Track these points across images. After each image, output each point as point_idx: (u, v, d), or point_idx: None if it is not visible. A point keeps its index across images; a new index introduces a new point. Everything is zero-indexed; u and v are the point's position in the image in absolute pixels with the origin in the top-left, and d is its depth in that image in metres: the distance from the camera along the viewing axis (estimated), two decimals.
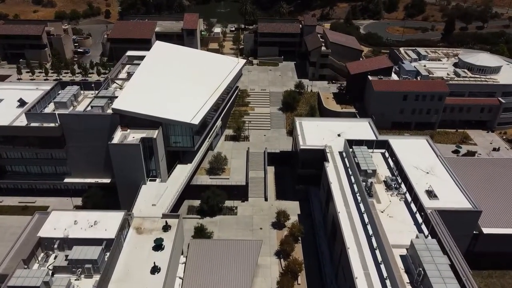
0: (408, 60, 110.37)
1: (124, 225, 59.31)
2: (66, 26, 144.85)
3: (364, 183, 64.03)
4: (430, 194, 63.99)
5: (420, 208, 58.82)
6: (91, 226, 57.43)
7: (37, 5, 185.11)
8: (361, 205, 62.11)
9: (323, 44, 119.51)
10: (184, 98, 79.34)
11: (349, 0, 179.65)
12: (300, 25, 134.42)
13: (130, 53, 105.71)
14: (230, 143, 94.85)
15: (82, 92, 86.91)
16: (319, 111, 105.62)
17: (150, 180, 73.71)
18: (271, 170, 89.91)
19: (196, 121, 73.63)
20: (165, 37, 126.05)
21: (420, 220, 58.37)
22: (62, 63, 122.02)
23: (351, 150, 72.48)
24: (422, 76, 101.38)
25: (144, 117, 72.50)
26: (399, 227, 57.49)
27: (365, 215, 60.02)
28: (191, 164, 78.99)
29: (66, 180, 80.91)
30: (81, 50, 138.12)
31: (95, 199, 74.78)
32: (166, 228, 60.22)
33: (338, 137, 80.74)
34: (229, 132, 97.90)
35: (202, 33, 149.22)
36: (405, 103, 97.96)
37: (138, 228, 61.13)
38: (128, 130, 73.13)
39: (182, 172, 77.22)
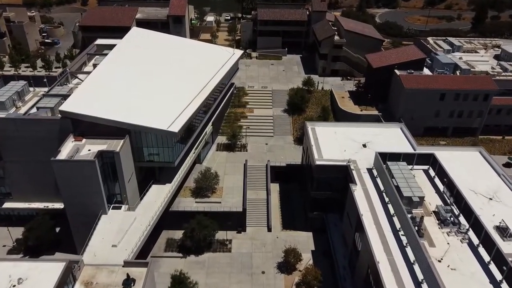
0: (441, 52, 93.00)
1: (66, 281, 41.88)
2: (33, 13, 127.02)
3: (409, 215, 46.56)
4: (504, 232, 46.46)
5: (497, 256, 41.33)
6: (14, 286, 39.88)
7: None
8: (409, 250, 44.56)
9: (336, 33, 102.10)
10: (162, 97, 61.76)
11: None
12: (308, 12, 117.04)
13: (100, 41, 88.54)
14: (223, 154, 77.17)
15: (32, 89, 69.16)
16: (333, 113, 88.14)
17: (114, 208, 55.95)
18: (275, 189, 72.38)
19: (176, 128, 55.98)
20: (148, 25, 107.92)
21: (498, 275, 40.82)
22: (22, 56, 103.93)
23: (385, 166, 55.03)
24: (462, 70, 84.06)
25: (105, 123, 54.85)
26: (468, 286, 40.02)
27: (416, 267, 42.41)
28: (171, 184, 61.28)
29: (6, 205, 63.02)
30: (49, 41, 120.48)
31: (39, 232, 56.98)
32: (128, 283, 42.84)
33: (364, 148, 63.33)
34: (222, 140, 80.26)
35: (193, 21, 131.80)
36: (442, 104, 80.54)
37: (87, 283, 43.70)
38: (84, 140, 55.38)
39: (158, 195, 59.50)
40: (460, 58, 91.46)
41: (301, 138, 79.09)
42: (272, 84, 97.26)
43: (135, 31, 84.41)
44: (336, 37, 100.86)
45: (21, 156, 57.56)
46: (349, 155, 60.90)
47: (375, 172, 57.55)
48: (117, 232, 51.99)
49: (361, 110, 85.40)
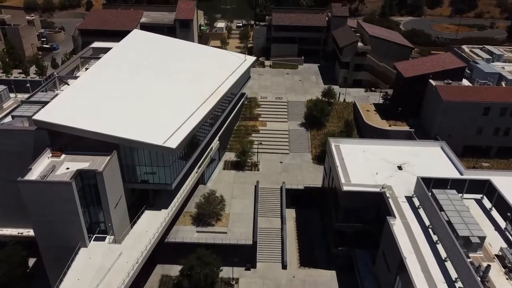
0: (480, 60, 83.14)
1: None
2: (32, 16, 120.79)
3: (469, 260, 36.35)
4: None
5: None
6: None
7: None
8: None
9: (359, 39, 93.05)
10: (160, 108, 52.96)
11: None
12: (327, 18, 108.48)
13: (97, 44, 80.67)
14: (231, 174, 67.71)
15: (13, 95, 61.09)
16: (357, 128, 78.44)
17: (96, 239, 46.59)
18: (291, 216, 62.54)
19: (174, 143, 46.80)
20: (153, 29, 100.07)
21: None
22: (16, 61, 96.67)
23: (430, 194, 44.97)
24: (508, 81, 74.00)
25: (89, 136, 45.98)
26: None
27: None
28: (167, 211, 51.83)
29: None
30: (47, 46, 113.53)
31: (6, 267, 47.76)
32: None
33: (399, 171, 53.39)
34: (230, 157, 70.93)
35: (202, 28, 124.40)
36: (485, 120, 70.32)
37: None
38: (63, 156, 46.47)
39: (151, 223, 50.00)
40: (503, 68, 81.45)
41: (321, 157, 69.42)
42: (287, 94, 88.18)
43: (135, 33, 76.45)
44: (360, 44, 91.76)
45: None
46: (382, 179, 50.98)
47: (416, 202, 47.44)
48: (97, 271, 42.47)
49: (390, 126, 75.56)
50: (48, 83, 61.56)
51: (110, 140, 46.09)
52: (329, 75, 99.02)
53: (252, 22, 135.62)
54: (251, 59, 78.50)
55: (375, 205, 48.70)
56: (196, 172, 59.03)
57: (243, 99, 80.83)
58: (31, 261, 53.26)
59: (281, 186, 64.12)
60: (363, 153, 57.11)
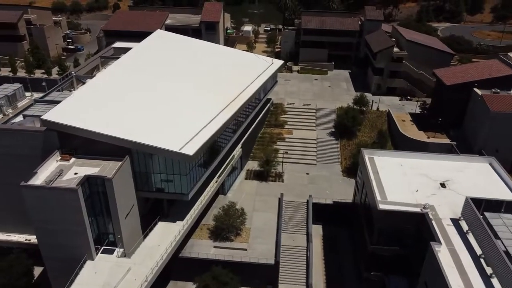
0: None
1: None
2: (59, 17, 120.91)
3: None
4: None
5: None
6: None
7: None
8: None
9: (395, 44, 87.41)
10: (179, 111, 49.30)
11: None
12: (359, 22, 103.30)
13: (118, 44, 78.78)
14: (253, 184, 63.24)
15: (29, 94, 58.88)
16: (391, 139, 72.63)
17: (104, 252, 42.96)
18: (317, 232, 57.42)
19: (192, 149, 42.82)
20: (178, 31, 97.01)
21: None
22: (40, 61, 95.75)
23: (481, 218, 39.10)
24: None
25: (99, 139, 42.63)
26: None
27: None
28: (182, 223, 47.75)
29: None
30: (72, 47, 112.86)
31: (8, 277, 44.67)
32: None
33: (443, 189, 47.58)
34: (253, 166, 66.53)
35: (228, 31, 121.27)
36: None
37: None
38: (72, 160, 43.31)
39: (164, 236, 46.02)
40: None
41: (352, 169, 64.12)
42: (316, 101, 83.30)
43: (158, 33, 73.79)
44: (396, 49, 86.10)
45: None
46: (423, 198, 45.32)
47: (464, 226, 41.57)
48: (103, 287, 38.82)
49: (428, 137, 69.45)
50: (65, 82, 59.19)
51: (122, 144, 42.58)
52: (361, 82, 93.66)
53: (280, 26, 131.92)
54: (278, 62, 74.43)
55: (416, 227, 43.17)
56: (216, 182, 54.90)
57: (268, 105, 76.61)
58: (38, 270, 50.27)
59: (307, 200, 59.18)
60: (401, 167, 51.54)
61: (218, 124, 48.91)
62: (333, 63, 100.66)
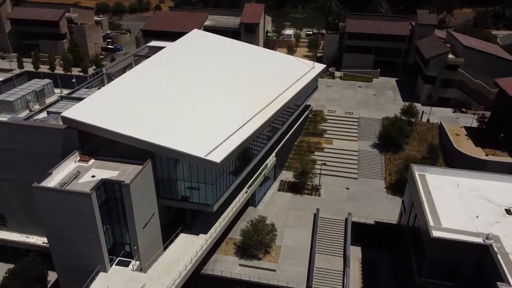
0: None
1: None
2: (101, 17, 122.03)
3: None
4: None
5: None
6: None
7: None
8: None
9: (450, 51, 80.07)
10: (208, 114, 45.50)
11: (474, 3, 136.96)
12: (410, 26, 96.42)
13: (154, 43, 76.64)
14: (286, 197, 58.40)
15: (59, 90, 57.29)
16: (443, 155, 65.51)
17: (119, 263, 39.54)
18: (356, 255, 51.61)
19: (219, 157, 38.73)
20: (217, 33, 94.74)
21: None
22: (77, 59, 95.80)
23: None
24: None
25: (121, 140, 39.49)
26: None
27: None
28: (206, 237, 43.70)
29: None
30: (111, 47, 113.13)
31: (21, 282, 42.27)
32: None
33: (509, 216, 40.77)
34: (287, 176, 61.73)
35: (268, 34, 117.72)
36: None
37: None
38: (91, 162, 40.40)
39: (185, 250, 42.11)
40: None
41: (398, 186, 57.97)
42: (359, 110, 77.43)
43: (195, 33, 71.19)
44: (450, 56, 78.81)
45: (16, 174, 44.17)
46: (485, 226, 38.83)
47: None
48: None
49: (487, 155, 61.80)
50: (94, 79, 57.14)
51: (144, 146, 39.19)
52: (409, 90, 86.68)
53: (323, 31, 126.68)
54: (320, 66, 69.61)
55: (475, 261, 36.82)
56: (246, 192, 50.63)
57: (307, 112, 71.73)
58: (54, 276, 47.74)
59: (346, 218, 53.57)
60: (457, 188, 45.10)
61: (251, 129, 44.65)
62: (378, 70, 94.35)
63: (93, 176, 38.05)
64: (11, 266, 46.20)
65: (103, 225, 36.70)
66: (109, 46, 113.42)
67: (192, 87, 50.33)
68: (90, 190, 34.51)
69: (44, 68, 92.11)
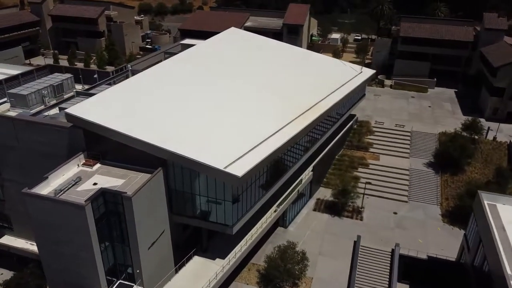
0: None
1: None
2: (142, 17, 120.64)
3: None
4: None
5: None
6: None
7: None
8: None
9: None
10: (235, 120, 39.53)
11: None
12: (474, 32, 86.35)
13: (187, 41, 72.58)
14: (322, 218, 51.06)
15: (81, 86, 53.58)
16: None
17: (119, 287, 34.07)
18: None
19: (241, 170, 32.37)
20: (258, 34, 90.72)
21: None
22: (115, 58, 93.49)
23: None
24: None
25: (129, 143, 34.26)
26: None
27: None
28: (223, 261, 37.40)
29: (4, 239, 46.24)
30: (149, 47, 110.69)
31: None
32: None
33: None
34: (325, 194, 54.43)
35: (313, 38, 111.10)
36: None
37: None
38: (96, 166, 35.46)
39: (198, 276, 36.03)
40: None
41: (457, 214, 49.36)
42: (411, 123, 68.80)
43: (231, 31, 65.97)
44: None
45: (20, 175, 40.10)
46: None
47: None
48: None
49: None
50: (118, 75, 52.95)
51: (156, 153, 33.68)
52: (470, 103, 76.84)
53: (374, 36, 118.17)
54: (368, 72, 62.17)
55: None
56: (275, 211, 43.99)
57: (352, 122, 64.26)
58: None
59: (393, 249, 45.44)
60: None
61: (283, 139, 38.07)
62: (435, 79, 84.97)
63: (94, 184, 32.95)
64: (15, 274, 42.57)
65: (101, 242, 31.38)
66: (147, 46, 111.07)
67: (219, 89, 44.66)
68: (85, 201, 29.26)
69: (80, 66, 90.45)
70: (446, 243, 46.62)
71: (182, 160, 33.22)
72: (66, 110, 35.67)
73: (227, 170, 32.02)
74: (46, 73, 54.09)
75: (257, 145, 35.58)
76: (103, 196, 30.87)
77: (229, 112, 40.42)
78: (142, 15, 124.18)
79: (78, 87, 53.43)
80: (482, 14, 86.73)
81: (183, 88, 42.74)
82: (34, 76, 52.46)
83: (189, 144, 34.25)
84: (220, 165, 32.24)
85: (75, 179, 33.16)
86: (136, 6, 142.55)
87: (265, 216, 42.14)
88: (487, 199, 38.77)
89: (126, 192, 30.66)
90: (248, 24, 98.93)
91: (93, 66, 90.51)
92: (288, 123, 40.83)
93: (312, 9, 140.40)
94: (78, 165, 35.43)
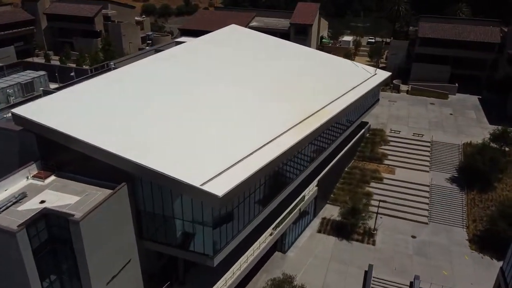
0: None
1: None
2: (143, 17, 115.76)
3: None
4: None
5: None
6: None
7: None
8: None
9: None
10: (223, 126, 33.06)
11: None
12: (501, 33, 79.04)
13: (183, 39, 67.09)
14: (328, 242, 44.01)
15: (56, 85, 47.82)
16: None
17: None
18: None
19: (222, 189, 25.76)
20: None
21: None
22: (111, 58, 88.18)
23: None
24: None
25: (88, 153, 28.01)
26: None
27: None
28: None
29: None
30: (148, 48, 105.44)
31: None
32: None
33: None
34: (331, 213, 47.44)
35: (323, 40, 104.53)
36: None
37: None
38: (50, 179, 29.27)
39: None
40: None
41: (488, 240, 42.19)
42: (431, 132, 61.61)
43: (231, 28, 60.25)
44: None
45: None
46: None
47: None
48: None
49: None
50: (98, 73, 47.13)
51: (119, 165, 27.33)
52: (497, 111, 69.36)
53: (389, 39, 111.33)
54: (383, 74, 55.91)
55: None
56: (271, 234, 37.23)
57: (364, 130, 57.41)
58: None
59: (412, 282, 38.31)
60: None
61: (278, 150, 31.45)
62: (456, 84, 77.73)
63: (42, 202, 26.73)
64: None
65: (44, 277, 25.03)
66: (147, 48, 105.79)
67: (208, 91, 38.49)
68: (18, 227, 22.95)
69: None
70: (476, 276, 39.34)
71: (150, 174, 26.80)
72: (13, 110, 29.61)
73: (205, 188, 25.46)
74: (19, 71, 48.60)
75: (246, 156, 29.02)
76: (46, 219, 24.56)
77: (216, 116, 34.05)
78: (143, 16, 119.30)
79: (54, 85, 47.81)
80: (506, 15, 79.88)
81: (161, 89, 36.60)
82: (4, 73, 46.95)
83: (162, 155, 27.90)
84: (196, 182, 25.70)
85: (17, 196, 26.97)
86: (139, 7, 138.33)
87: (258, 241, 35.36)
88: None
89: (73, 215, 24.30)
90: (253, 24, 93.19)
91: (85, 67, 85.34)
92: (287, 130, 34.27)
93: (323, 12, 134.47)
94: (28, 178, 29.28)
